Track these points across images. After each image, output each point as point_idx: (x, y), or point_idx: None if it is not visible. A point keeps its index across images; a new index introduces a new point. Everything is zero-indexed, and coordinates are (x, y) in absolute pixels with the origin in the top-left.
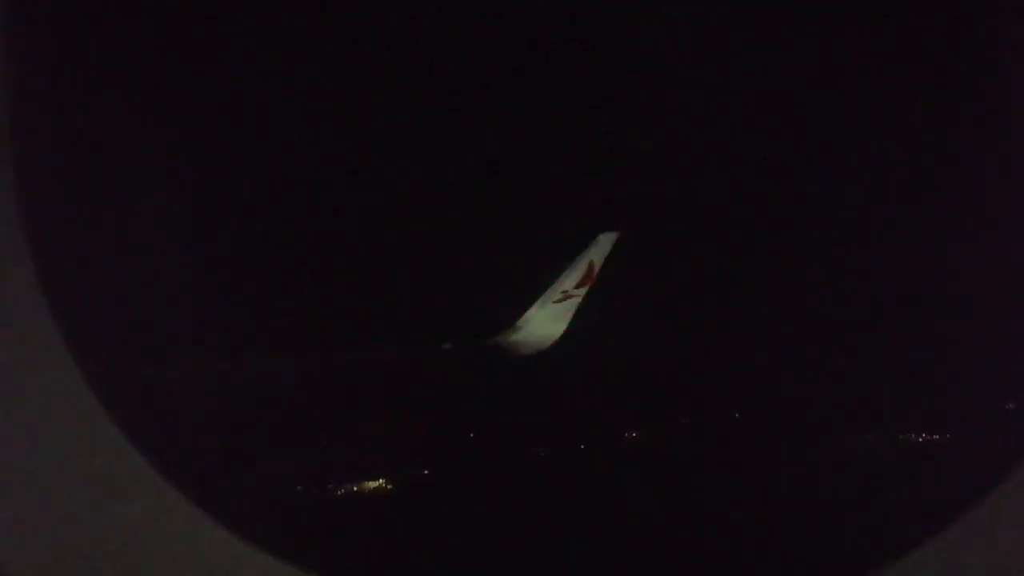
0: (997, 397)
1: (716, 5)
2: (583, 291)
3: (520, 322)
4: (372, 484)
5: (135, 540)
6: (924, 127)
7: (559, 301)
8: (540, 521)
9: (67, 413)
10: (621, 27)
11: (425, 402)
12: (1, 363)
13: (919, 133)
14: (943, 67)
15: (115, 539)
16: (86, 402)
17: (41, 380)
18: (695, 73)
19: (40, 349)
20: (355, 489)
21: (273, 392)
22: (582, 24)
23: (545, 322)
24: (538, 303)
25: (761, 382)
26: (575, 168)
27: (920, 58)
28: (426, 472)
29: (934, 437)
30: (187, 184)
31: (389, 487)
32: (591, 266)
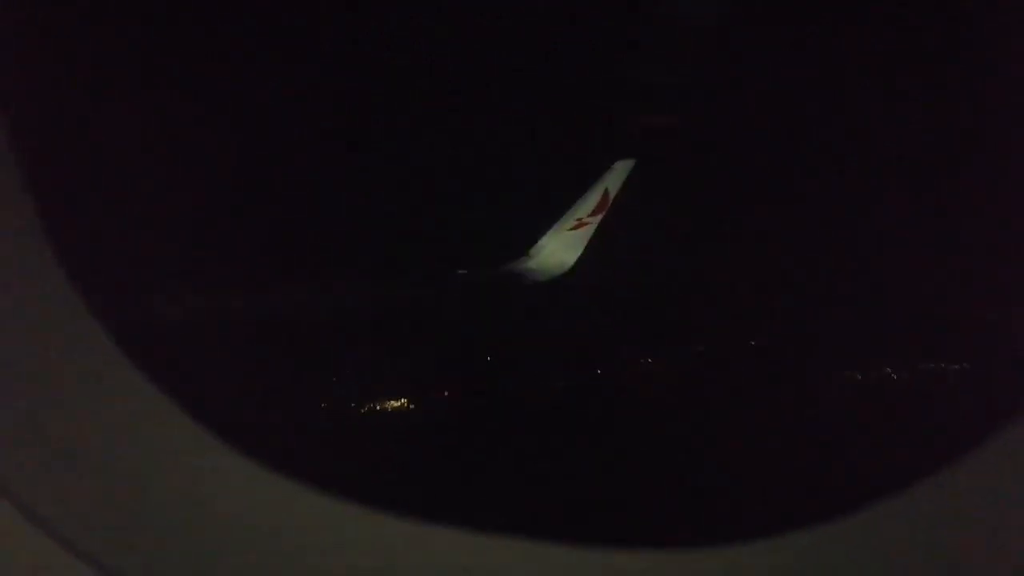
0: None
1: None
2: (598, 219)
3: (534, 249)
4: (394, 404)
5: (148, 470)
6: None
7: (573, 228)
8: (557, 445)
9: (76, 352)
10: None
11: (440, 326)
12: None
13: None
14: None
15: (129, 472)
16: (94, 337)
17: (45, 315)
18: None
19: (42, 283)
20: (376, 408)
21: (289, 320)
22: None
23: (559, 249)
24: (552, 230)
25: (777, 310)
26: (591, 94)
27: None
28: (447, 394)
29: (951, 367)
30: (191, 117)
31: (412, 407)
32: (606, 193)
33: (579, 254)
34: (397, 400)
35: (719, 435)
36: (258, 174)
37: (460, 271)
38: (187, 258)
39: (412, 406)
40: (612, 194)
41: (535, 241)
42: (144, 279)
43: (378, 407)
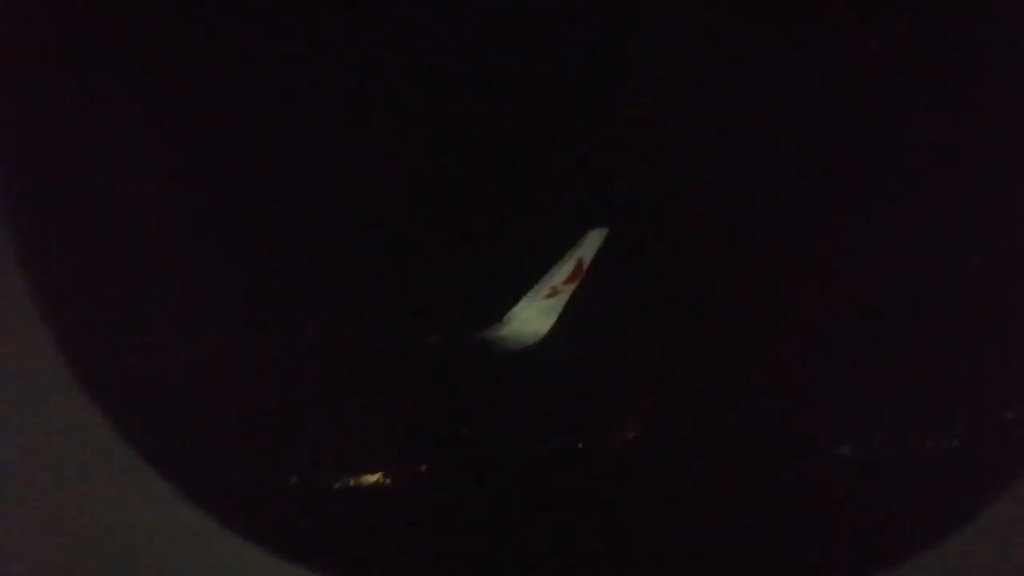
0: (998, 406)
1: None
2: (571, 287)
3: (508, 317)
4: (371, 479)
5: (122, 531)
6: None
7: (547, 296)
8: (536, 518)
9: (54, 408)
10: (612, 24)
11: (414, 396)
12: None
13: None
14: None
15: (103, 533)
16: (72, 396)
17: (26, 374)
18: (687, 73)
19: (24, 342)
20: (352, 484)
21: (258, 384)
22: (572, 21)
23: (533, 317)
24: (526, 298)
25: (754, 383)
26: (565, 164)
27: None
28: (423, 468)
29: (936, 444)
30: (172, 171)
31: (388, 482)
32: (580, 262)
33: (552, 322)
34: (372, 475)
35: (701, 507)
36: (226, 238)
37: (433, 337)
38: (167, 318)
39: (388, 480)
40: (586, 263)
41: (508, 309)
42: (122, 335)
43: (352, 482)
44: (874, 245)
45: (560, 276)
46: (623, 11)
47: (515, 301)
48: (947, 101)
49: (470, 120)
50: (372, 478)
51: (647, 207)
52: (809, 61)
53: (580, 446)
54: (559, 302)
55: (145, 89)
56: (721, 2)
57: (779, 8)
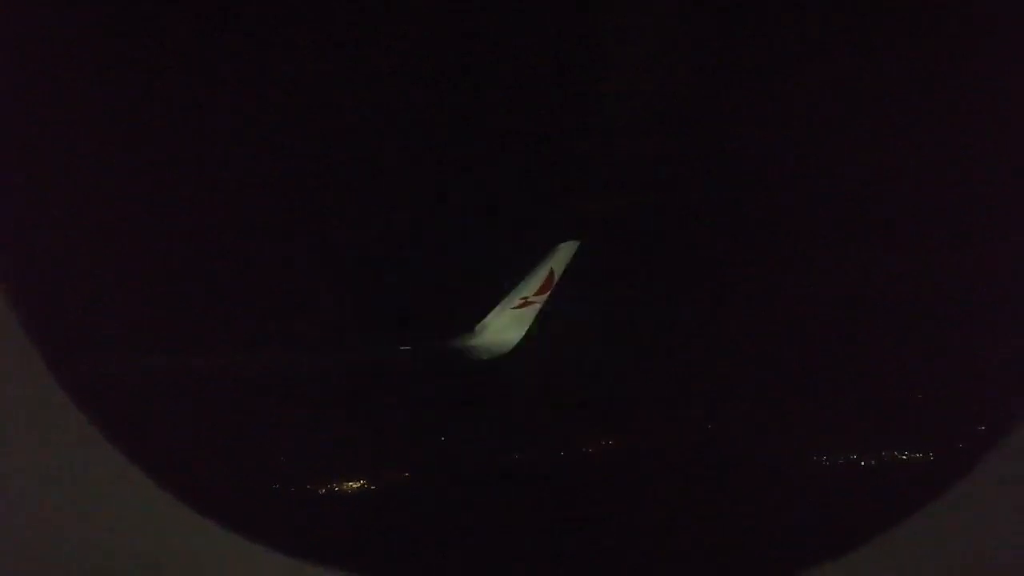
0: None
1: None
2: (542, 298)
3: (478, 327)
4: (354, 485)
5: (113, 538)
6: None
7: (518, 307)
8: (518, 523)
9: (41, 415)
10: (582, 35)
11: (389, 405)
12: None
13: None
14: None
15: (92, 538)
16: (59, 402)
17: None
18: (661, 83)
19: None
20: (336, 489)
21: (238, 393)
22: (542, 32)
23: (503, 328)
24: (496, 308)
25: (730, 391)
26: (537, 176)
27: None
28: (406, 475)
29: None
30: (160, 175)
31: (372, 487)
32: (551, 274)
33: (523, 333)
34: (356, 481)
35: (681, 515)
36: (207, 247)
37: (404, 348)
38: (148, 327)
39: (372, 486)
40: (557, 274)
41: (480, 319)
42: (109, 341)
43: (336, 488)
44: (845, 260)
45: (531, 287)
46: (594, 22)
47: (486, 311)
48: (946, 101)
49: (440, 132)
50: (356, 484)
51: (618, 219)
52: (787, 72)
53: (562, 454)
54: (530, 312)
55: (130, 97)
56: (695, 15)
57: (756, 16)
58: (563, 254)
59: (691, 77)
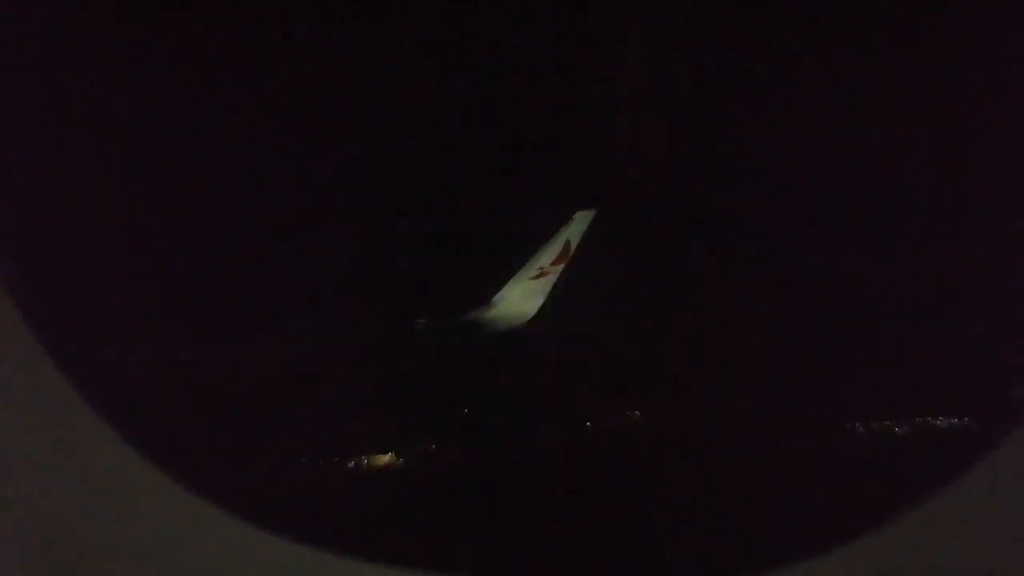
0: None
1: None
2: (559, 268)
3: (495, 298)
4: (382, 459)
5: (123, 527)
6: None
7: (535, 278)
8: (545, 496)
9: (46, 406)
10: (596, 9)
11: (409, 380)
12: None
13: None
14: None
15: (105, 528)
16: (63, 393)
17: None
18: (674, 52)
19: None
20: (365, 464)
21: (261, 376)
22: (556, 8)
23: (520, 299)
24: (513, 279)
25: (748, 362)
26: (553, 145)
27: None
28: (432, 448)
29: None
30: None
31: (399, 461)
32: (567, 244)
33: (540, 303)
34: (384, 455)
35: (712, 488)
36: (223, 228)
37: (421, 320)
38: (160, 314)
39: (400, 460)
40: (573, 244)
41: (496, 291)
42: (117, 332)
43: (365, 461)
44: (859, 240)
45: (547, 257)
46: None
47: (503, 283)
48: (946, 102)
49: (456, 105)
50: (384, 459)
51: (634, 187)
52: (801, 50)
53: (588, 425)
54: (547, 283)
55: (130, 94)
56: None
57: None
58: (579, 223)
59: (705, 48)
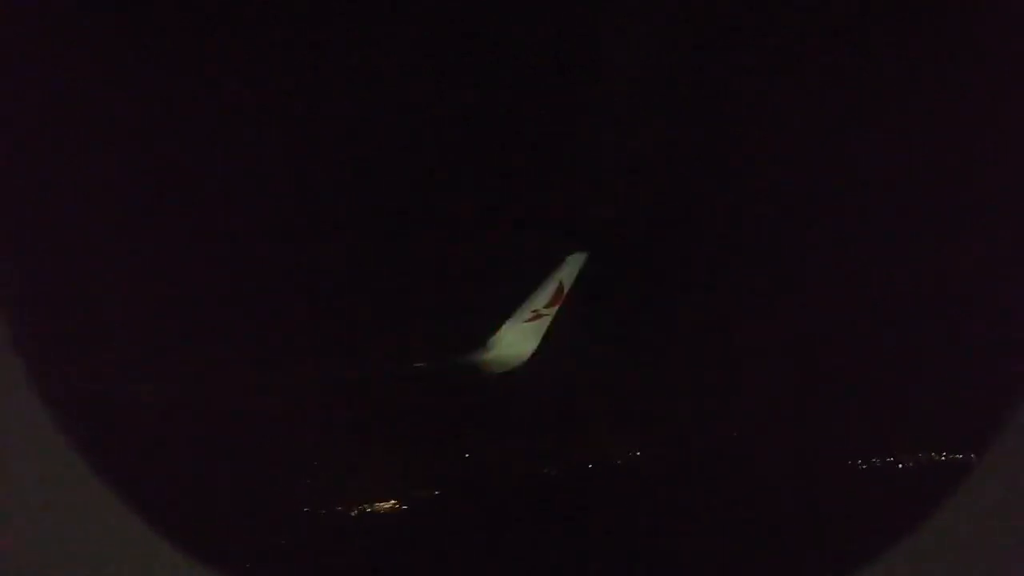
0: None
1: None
2: (553, 310)
3: (491, 341)
4: (385, 505)
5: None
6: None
7: (529, 320)
8: (547, 532)
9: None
10: (592, 50)
11: (406, 424)
12: None
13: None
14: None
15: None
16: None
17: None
18: (663, 95)
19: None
20: (368, 511)
21: (255, 425)
22: (553, 47)
23: (516, 341)
24: (509, 322)
25: (742, 397)
26: (545, 190)
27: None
28: (437, 493)
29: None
30: (156, 196)
31: (403, 507)
32: (561, 286)
33: (535, 345)
34: (386, 502)
35: (714, 523)
36: (220, 272)
37: (417, 364)
38: (160, 361)
39: (403, 507)
40: (567, 287)
41: (492, 334)
42: (109, 378)
43: (368, 509)
44: (845, 269)
45: (542, 300)
46: (598, 35)
47: (498, 326)
48: (945, 104)
49: (449, 148)
50: (386, 505)
51: (624, 230)
52: (782, 83)
53: (590, 466)
54: (542, 325)
55: (120, 115)
56: (696, 28)
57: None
58: (572, 266)
59: (693, 92)
